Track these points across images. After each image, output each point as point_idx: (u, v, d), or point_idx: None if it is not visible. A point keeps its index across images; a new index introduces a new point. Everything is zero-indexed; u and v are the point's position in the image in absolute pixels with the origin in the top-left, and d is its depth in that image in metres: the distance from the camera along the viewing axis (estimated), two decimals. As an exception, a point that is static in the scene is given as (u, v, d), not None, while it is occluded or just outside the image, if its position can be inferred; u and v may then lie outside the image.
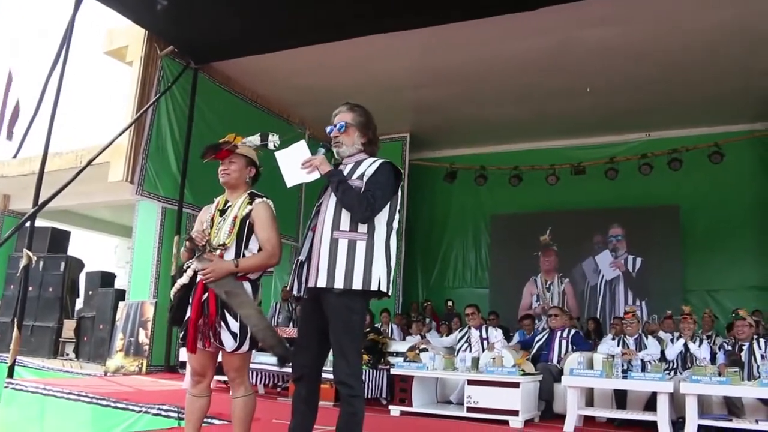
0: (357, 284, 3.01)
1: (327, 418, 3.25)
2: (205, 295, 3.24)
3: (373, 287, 3.05)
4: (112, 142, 8.22)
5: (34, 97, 7.31)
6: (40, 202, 7.23)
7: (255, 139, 3.48)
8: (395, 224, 3.22)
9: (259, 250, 3.37)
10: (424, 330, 9.68)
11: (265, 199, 3.45)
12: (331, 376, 3.08)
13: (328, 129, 3.35)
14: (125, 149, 8.66)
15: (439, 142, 12.75)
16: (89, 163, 7.95)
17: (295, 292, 3.12)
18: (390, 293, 3.16)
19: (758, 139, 10.92)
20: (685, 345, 6.81)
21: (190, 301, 3.30)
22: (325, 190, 3.21)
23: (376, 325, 8.75)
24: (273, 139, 3.46)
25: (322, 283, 3.01)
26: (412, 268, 12.94)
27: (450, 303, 11.64)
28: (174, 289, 3.36)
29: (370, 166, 3.19)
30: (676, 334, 7.28)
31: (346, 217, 3.07)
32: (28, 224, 7.42)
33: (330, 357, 3.15)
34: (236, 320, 3.23)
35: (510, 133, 12.03)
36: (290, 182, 3.20)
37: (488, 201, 12.83)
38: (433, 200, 13.27)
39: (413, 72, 9.79)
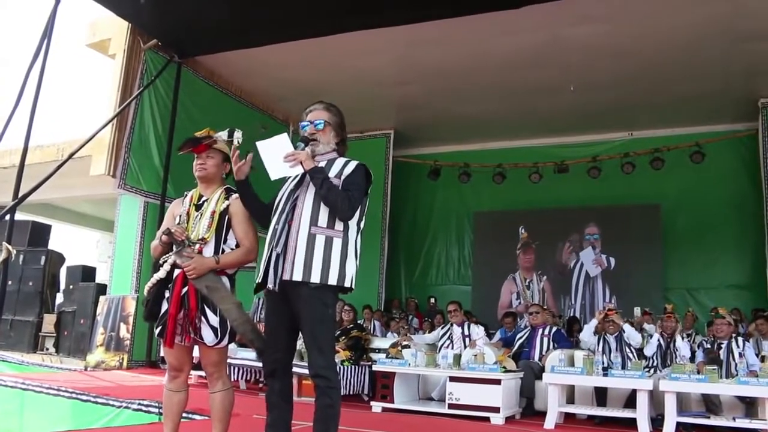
0: (332, 280, 3.05)
1: (310, 414, 3.24)
2: (185, 290, 3.23)
3: (347, 284, 3.12)
4: (94, 136, 8.13)
5: (15, 89, 7.22)
6: (20, 195, 7.15)
7: (224, 134, 3.48)
8: (362, 224, 3.27)
9: (237, 245, 3.38)
10: (403, 328, 9.61)
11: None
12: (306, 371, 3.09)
13: (301, 125, 3.34)
14: (107, 143, 8.59)
15: (423, 139, 12.75)
16: (71, 156, 7.86)
17: (270, 285, 3.10)
18: (354, 288, 3.21)
19: (739, 140, 11.03)
20: (668, 341, 6.89)
21: (168, 295, 3.29)
22: (298, 183, 3.21)
23: (358, 322, 8.74)
24: (237, 136, 3.47)
25: (298, 276, 3.02)
26: (396, 264, 12.94)
27: (432, 300, 11.65)
28: (150, 284, 3.34)
29: (345, 166, 3.21)
30: (658, 331, 7.35)
31: (324, 213, 3.09)
32: (7, 217, 7.34)
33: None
34: (216, 314, 3.23)
35: (494, 130, 12.06)
36: (274, 175, 3.19)
37: (472, 198, 12.86)
38: (417, 197, 13.28)
39: (397, 68, 9.80)
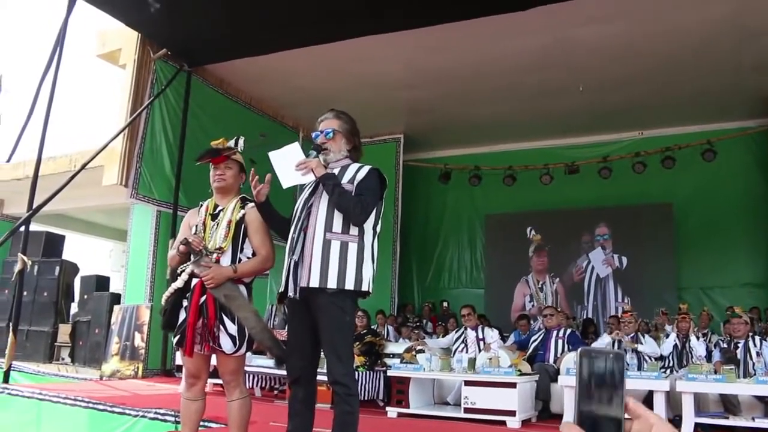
0: (349, 284, 3.07)
1: (326, 421, 3.26)
2: (203, 298, 3.25)
3: (364, 288, 3.14)
4: (105, 146, 8.19)
5: (27, 100, 7.29)
6: (34, 206, 7.21)
7: (231, 143, 3.53)
8: (378, 228, 3.29)
9: (253, 254, 3.40)
10: (414, 333, 9.58)
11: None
12: (326, 378, 3.11)
13: (314, 135, 3.39)
14: (119, 153, 8.63)
15: (433, 143, 12.75)
16: (83, 167, 7.92)
17: (290, 293, 3.12)
18: (372, 292, 3.22)
19: (750, 137, 10.96)
20: (684, 341, 6.84)
21: (186, 304, 3.31)
22: (312, 191, 3.23)
23: (372, 327, 8.74)
24: (240, 143, 3.52)
25: (315, 282, 3.04)
26: (408, 269, 12.92)
27: (446, 304, 11.64)
28: (167, 293, 3.36)
29: (358, 171, 3.24)
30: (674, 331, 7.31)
31: (338, 219, 3.12)
32: (22, 228, 7.40)
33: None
34: (234, 323, 3.25)
35: (504, 132, 12.04)
36: (286, 183, 3.23)
37: (483, 201, 12.83)
38: (428, 201, 13.28)
39: (406, 72, 9.80)
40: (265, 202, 3.29)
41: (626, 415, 0.84)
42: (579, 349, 0.84)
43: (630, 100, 10.30)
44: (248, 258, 3.39)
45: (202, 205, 3.57)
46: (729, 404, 5.77)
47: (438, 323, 10.59)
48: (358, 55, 9.10)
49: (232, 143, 3.53)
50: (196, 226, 3.47)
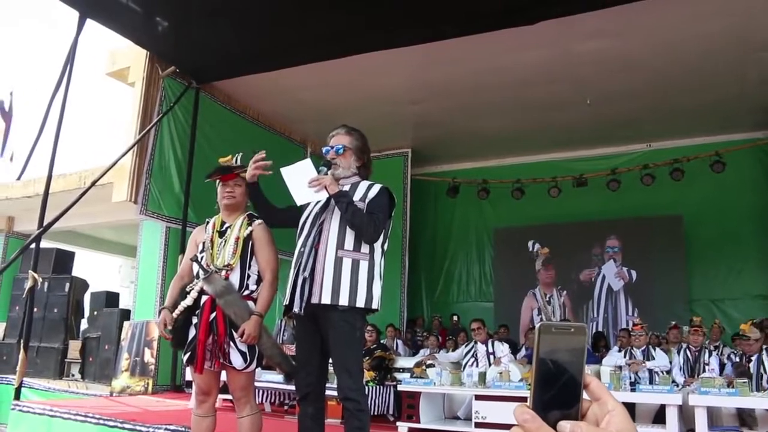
0: (360, 302, 3.08)
1: (335, 436, 3.27)
2: (213, 315, 3.26)
3: (374, 305, 3.14)
4: (115, 163, 8.23)
5: (37, 118, 7.34)
6: (44, 223, 7.24)
7: (233, 160, 3.58)
8: (386, 246, 3.31)
9: (259, 274, 3.43)
10: (432, 345, 9.55)
11: (262, 220, 3.51)
12: (336, 393, 3.11)
13: (324, 150, 3.40)
14: (128, 169, 8.67)
15: (440, 157, 12.76)
16: (93, 184, 7.96)
17: (296, 309, 3.13)
18: (379, 309, 3.25)
19: (759, 148, 10.91)
20: (696, 355, 6.79)
21: (195, 321, 3.32)
22: (323, 207, 3.24)
23: (382, 342, 8.72)
24: (236, 157, 3.56)
25: (326, 299, 3.05)
26: (416, 283, 12.89)
27: (455, 318, 11.59)
28: (177, 312, 3.37)
29: (369, 189, 3.25)
30: (684, 345, 7.26)
31: (350, 236, 3.13)
32: (33, 246, 7.43)
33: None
34: (244, 339, 3.26)
35: (511, 146, 12.04)
36: (300, 201, 3.23)
37: (491, 214, 12.82)
38: (436, 215, 13.27)
39: (413, 86, 9.83)
40: (255, 183, 3.36)
41: (586, 396, 0.79)
42: (538, 325, 0.79)
43: (637, 113, 10.29)
44: (256, 274, 3.41)
45: (208, 222, 3.59)
46: (747, 418, 5.72)
47: (448, 337, 10.56)
48: (365, 70, 9.13)
49: (233, 160, 3.56)
50: (204, 243, 3.49)
